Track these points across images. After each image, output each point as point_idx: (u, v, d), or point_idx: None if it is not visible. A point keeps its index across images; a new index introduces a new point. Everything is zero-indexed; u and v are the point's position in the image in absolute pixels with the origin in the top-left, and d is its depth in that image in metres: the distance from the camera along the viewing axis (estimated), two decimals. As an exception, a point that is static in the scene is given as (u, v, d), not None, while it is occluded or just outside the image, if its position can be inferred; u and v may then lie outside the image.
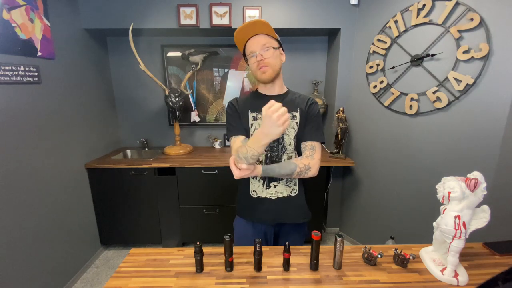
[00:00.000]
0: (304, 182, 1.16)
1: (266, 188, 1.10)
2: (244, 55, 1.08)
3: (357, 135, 2.26)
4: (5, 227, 1.43)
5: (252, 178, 1.11)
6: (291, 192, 1.11)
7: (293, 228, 1.16)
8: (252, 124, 1.07)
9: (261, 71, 1.01)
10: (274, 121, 0.76)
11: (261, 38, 1.00)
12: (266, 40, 1.00)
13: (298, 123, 1.06)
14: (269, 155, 1.07)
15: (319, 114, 1.09)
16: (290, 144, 1.07)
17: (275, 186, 1.10)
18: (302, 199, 1.15)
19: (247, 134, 1.08)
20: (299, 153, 1.10)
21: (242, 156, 0.90)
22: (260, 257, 0.90)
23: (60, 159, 1.83)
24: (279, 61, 1.04)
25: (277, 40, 1.05)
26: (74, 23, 2.01)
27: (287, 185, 1.10)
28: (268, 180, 1.09)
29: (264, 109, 0.78)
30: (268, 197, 1.10)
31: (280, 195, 1.10)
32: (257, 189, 1.11)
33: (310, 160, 1.02)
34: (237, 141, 1.04)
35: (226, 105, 1.30)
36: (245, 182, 1.13)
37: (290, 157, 1.08)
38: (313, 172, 1.03)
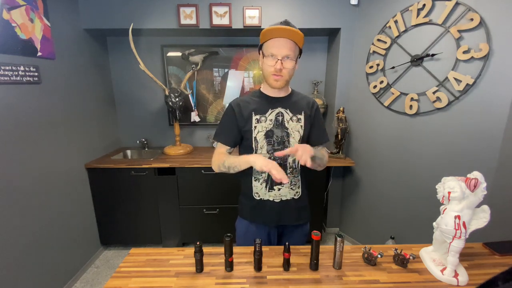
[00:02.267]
0: (307, 184, 1.17)
1: (268, 191, 1.10)
2: (260, 47, 1.04)
3: (357, 135, 2.26)
4: (4, 227, 1.43)
5: (255, 180, 1.11)
6: (294, 195, 1.12)
7: (296, 229, 1.17)
8: (255, 127, 1.06)
9: (274, 78, 1.01)
10: (265, 165, 0.91)
11: (288, 46, 0.97)
12: (291, 50, 0.98)
13: (303, 126, 1.08)
14: (272, 158, 1.06)
15: (322, 116, 1.18)
16: None
17: (279, 189, 1.09)
18: (305, 201, 1.16)
19: (236, 143, 1.13)
20: None
21: (227, 165, 1.05)
22: (260, 257, 0.90)
23: (60, 159, 1.83)
24: (293, 72, 1.04)
25: (299, 49, 1.03)
26: (74, 23, 2.01)
27: (291, 188, 1.10)
28: (271, 183, 1.09)
29: (273, 163, 0.92)
30: (271, 199, 1.10)
31: (284, 198, 1.10)
32: (260, 192, 1.11)
33: (327, 154, 1.17)
34: (222, 149, 1.12)
35: (227, 105, 1.31)
36: (248, 184, 1.13)
37: (294, 160, 1.08)
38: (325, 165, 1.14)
